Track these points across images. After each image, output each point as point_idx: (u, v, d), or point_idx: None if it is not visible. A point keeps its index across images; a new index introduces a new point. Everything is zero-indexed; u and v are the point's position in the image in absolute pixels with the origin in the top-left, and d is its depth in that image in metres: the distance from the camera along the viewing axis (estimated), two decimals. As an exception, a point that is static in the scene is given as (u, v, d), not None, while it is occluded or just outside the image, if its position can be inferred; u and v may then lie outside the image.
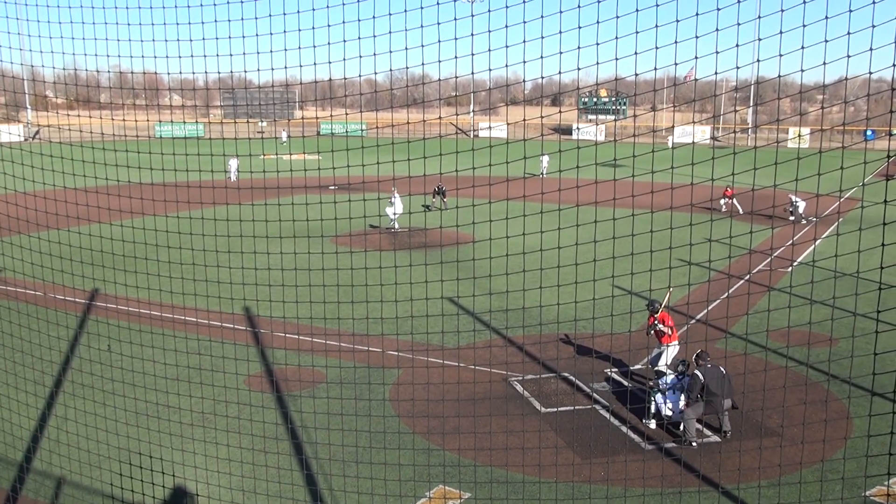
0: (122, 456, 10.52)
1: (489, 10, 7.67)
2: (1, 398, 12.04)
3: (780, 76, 6.88)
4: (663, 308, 14.54)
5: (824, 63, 6.42)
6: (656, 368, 14.51)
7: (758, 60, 7.23)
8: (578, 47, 6.95)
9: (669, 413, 12.40)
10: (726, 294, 20.26)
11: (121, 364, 13.76)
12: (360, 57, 7.90)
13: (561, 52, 7.07)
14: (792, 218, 32.80)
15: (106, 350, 14.20)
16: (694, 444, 11.89)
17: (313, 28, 7.91)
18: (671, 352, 14.48)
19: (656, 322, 14.32)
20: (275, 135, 79.16)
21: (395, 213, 31.29)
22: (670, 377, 12.86)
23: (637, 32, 6.79)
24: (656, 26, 6.69)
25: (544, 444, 11.91)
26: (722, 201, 36.05)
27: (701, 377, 11.88)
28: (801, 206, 32.69)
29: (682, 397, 12.27)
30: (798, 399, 13.12)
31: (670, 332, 14.37)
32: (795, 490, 10.50)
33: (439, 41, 7.52)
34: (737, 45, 6.69)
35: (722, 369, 12.05)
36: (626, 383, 14.66)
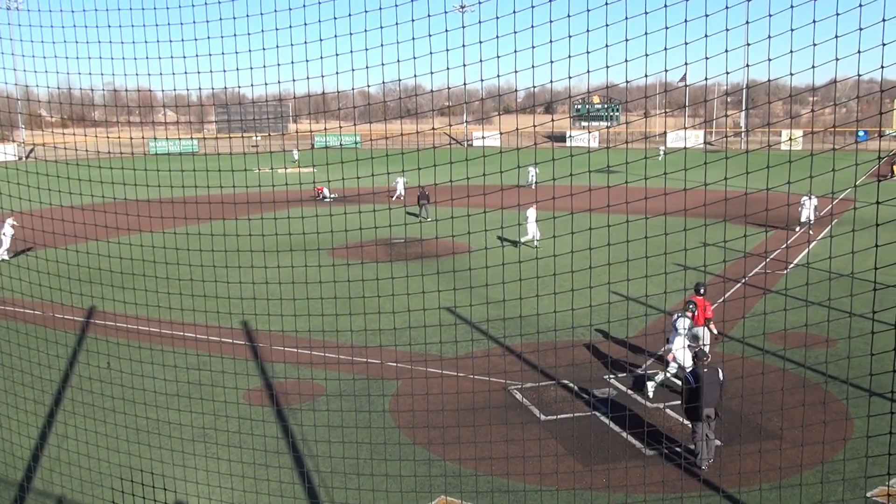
0: (123, 473, 10.49)
1: (479, 22, 7.73)
2: (0, 418, 12.02)
3: (770, 80, 6.94)
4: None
5: (813, 66, 6.49)
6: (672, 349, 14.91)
7: (748, 65, 7.30)
8: (569, 56, 7.02)
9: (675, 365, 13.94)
10: (723, 298, 20.31)
11: (120, 381, 13.75)
12: (353, 70, 7.96)
13: (552, 61, 7.14)
14: None
15: (105, 368, 14.19)
16: (695, 458, 11.70)
17: (305, 42, 7.96)
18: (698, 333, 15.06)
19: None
20: (270, 149, 79.26)
21: (536, 234, 26.27)
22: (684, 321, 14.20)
23: (627, 40, 6.85)
24: (646, 33, 6.75)
25: (545, 452, 11.91)
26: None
27: (700, 377, 11.40)
28: None
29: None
30: (797, 401, 13.14)
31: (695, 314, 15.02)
32: (797, 492, 10.51)
33: (431, 53, 7.59)
34: (726, 51, 6.76)
35: (720, 374, 11.59)
36: (625, 388, 14.68)
